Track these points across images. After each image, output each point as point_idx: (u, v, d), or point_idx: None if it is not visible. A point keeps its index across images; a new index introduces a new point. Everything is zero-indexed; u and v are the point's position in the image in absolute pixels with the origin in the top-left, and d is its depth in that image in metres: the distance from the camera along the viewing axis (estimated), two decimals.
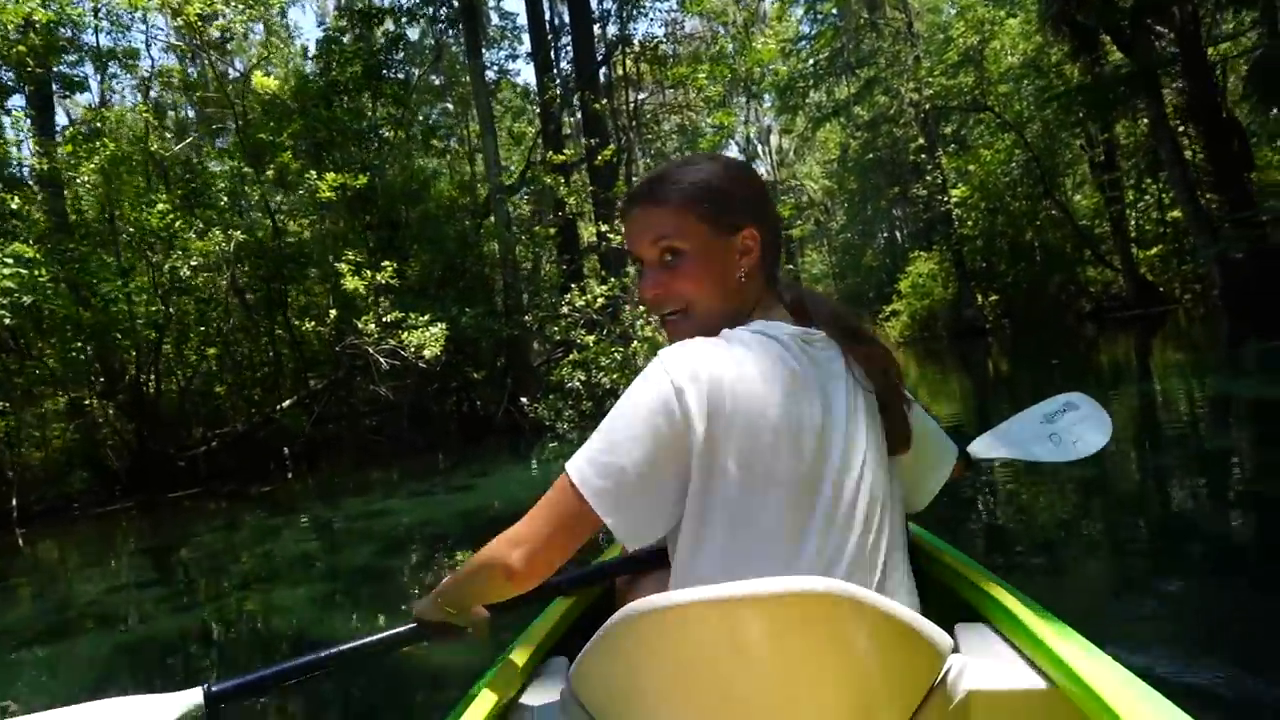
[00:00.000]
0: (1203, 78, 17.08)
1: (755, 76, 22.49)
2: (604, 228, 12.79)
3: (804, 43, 27.86)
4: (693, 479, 0.90)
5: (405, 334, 9.84)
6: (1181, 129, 18.94)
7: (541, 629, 1.27)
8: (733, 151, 37.77)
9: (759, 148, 37.79)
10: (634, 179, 17.91)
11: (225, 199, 10.91)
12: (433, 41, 19.55)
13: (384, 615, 3.76)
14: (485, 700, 1.02)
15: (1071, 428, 1.64)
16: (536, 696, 1.11)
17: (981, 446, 1.63)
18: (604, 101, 14.15)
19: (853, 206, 33.32)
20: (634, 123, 17.90)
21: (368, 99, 14.39)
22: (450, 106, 22.99)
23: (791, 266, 38.68)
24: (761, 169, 36.09)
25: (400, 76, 16.18)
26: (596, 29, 16.83)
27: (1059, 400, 1.71)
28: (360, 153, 12.74)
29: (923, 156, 26.73)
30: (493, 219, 13.00)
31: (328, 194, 10.65)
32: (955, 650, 0.93)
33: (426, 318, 10.17)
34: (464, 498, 6.92)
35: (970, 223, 26.55)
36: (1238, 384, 7.09)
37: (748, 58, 19.36)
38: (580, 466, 0.91)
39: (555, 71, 17.24)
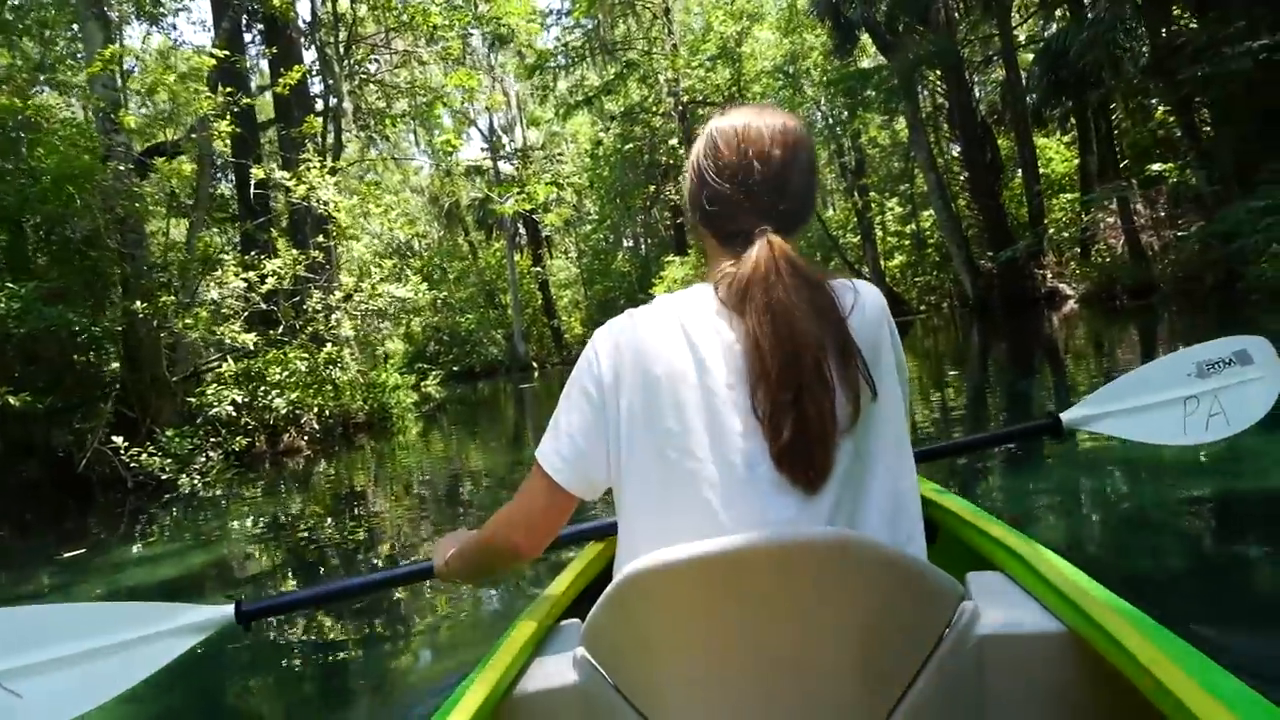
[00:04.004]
0: (961, 81, 17.05)
1: (504, 37, 19.19)
2: (283, 175, 8.51)
3: (554, 17, 25.11)
4: (610, 434, 0.94)
5: None
6: (933, 138, 19.07)
7: (554, 593, 1.25)
8: (475, 138, 34.01)
9: (503, 139, 34.41)
10: (344, 133, 13.72)
11: None
12: None
13: None
14: (500, 662, 1.00)
15: (1228, 390, 1.23)
16: (550, 657, 1.06)
17: (1083, 412, 1.42)
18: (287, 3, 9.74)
19: (606, 205, 31.14)
20: (344, 63, 13.68)
21: None
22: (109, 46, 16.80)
23: (540, 269, 35.73)
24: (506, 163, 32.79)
25: None
26: None
27: (1226, 345, 1.31)
28: None
29: (681, 154, 25.25)
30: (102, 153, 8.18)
31: None
32: (967, 598, 0.90)
33: None
34: None
35: None
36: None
37: (494, 6, 15.90)
38: (544, 451, 0.99)
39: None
